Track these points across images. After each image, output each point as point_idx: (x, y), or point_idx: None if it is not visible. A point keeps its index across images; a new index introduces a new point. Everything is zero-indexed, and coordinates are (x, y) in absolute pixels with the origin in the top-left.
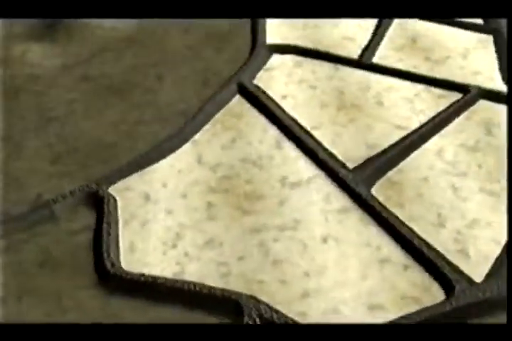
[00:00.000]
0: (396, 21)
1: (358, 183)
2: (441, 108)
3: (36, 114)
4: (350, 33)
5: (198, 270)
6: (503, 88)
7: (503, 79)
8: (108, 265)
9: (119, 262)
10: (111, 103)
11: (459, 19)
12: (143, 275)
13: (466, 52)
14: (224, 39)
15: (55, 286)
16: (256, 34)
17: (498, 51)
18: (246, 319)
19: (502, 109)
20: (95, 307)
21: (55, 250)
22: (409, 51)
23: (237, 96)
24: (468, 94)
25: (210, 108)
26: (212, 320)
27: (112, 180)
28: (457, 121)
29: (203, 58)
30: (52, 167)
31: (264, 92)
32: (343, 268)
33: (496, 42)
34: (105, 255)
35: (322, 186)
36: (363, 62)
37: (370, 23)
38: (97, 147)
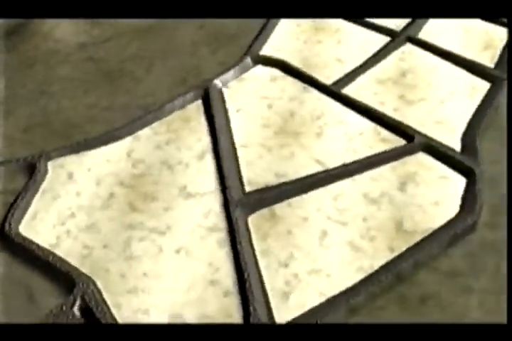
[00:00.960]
0: (400, 50)
1: (239, 207)
2: (374, 152)
3: (36, 85)
4: (347, 54)
5: (68, 247)
6: (455, 145)
7: (465, 137)
8: (7, 225)
9: (18, 224)
10: (98, 87)
11: (471, 60)
12: (25, 239)
13: (449, 97)
14: (226, 40)
15: None
16: (254, 41)
17: (484, 103)
18: (72, 297)
19: (437, 167)
20: None
21: None
22: (390, 85)
23: (199, 101)
24: (410, 144)
25: (171, 107)
26: (47, 286)
27: (54, 156)
28: (379, 169)
29: (197, 56)
30: (20, 134)
31: (223, 101)
32: (176, 278)
33: (489, 93)
34: (9, 215)
35: (211, 202)
36: (331, 89)
37: (374, 47)
38: (62, 125)
